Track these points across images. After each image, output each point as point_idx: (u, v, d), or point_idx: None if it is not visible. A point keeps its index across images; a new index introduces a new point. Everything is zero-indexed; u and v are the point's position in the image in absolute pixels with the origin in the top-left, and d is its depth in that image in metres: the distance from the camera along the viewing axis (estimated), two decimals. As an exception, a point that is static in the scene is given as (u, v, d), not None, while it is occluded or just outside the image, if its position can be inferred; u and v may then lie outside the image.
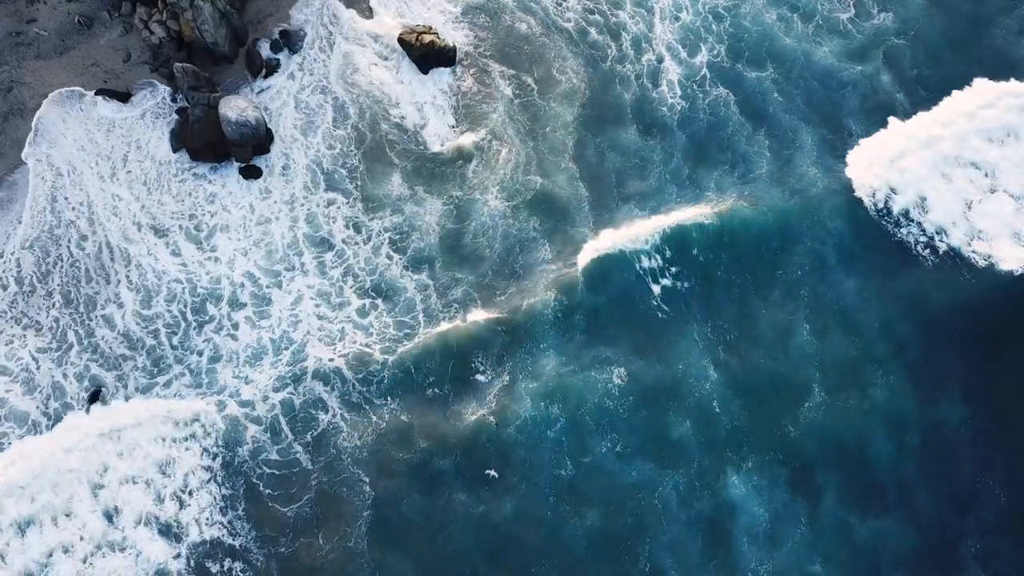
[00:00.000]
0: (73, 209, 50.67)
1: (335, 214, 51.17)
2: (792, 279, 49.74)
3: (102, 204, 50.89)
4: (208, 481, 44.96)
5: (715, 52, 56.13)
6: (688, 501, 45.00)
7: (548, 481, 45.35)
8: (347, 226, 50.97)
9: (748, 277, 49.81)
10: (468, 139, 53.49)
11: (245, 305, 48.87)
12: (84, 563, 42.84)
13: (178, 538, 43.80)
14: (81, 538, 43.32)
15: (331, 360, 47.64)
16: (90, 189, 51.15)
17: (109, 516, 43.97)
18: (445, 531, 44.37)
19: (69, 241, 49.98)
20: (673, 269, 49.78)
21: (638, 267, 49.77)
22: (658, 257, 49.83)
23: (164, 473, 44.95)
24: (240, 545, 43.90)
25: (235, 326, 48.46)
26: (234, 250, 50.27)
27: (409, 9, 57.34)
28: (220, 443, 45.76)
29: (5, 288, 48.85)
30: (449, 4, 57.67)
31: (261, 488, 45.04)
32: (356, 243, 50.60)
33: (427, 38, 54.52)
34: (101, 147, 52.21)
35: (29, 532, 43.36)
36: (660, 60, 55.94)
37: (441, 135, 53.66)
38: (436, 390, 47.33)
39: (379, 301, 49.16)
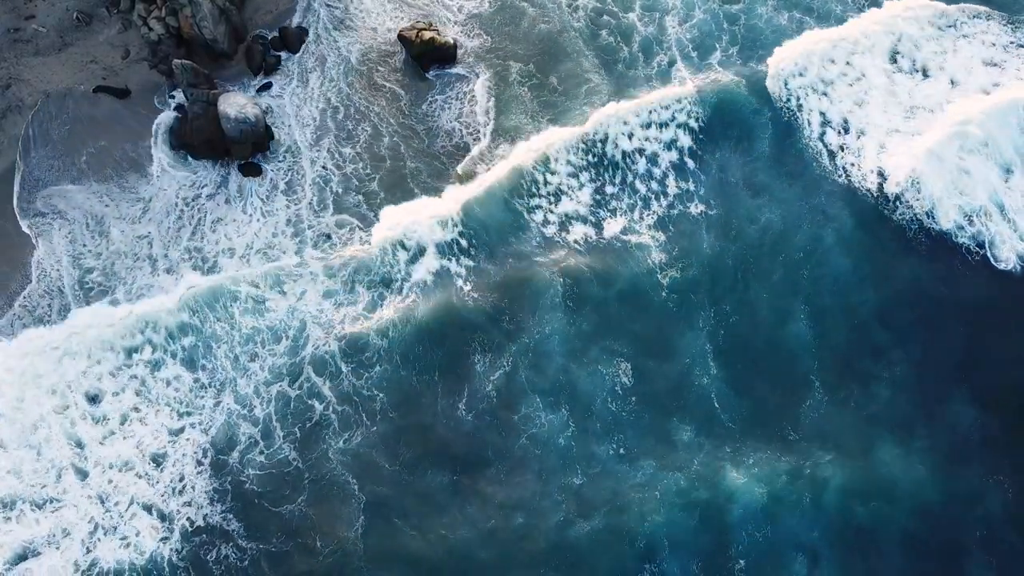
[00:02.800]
0: (91, 257, 49.54)
1: (347, 236, 49.87)
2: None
3: (125, 248, 49.77)
4: (199, 473, 44.25)
5: (729, 53, 55.15)
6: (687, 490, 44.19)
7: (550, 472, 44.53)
8: (362, 244, 49.85)
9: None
10: (486, 147, 52.11)
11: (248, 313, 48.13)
12: (81, 546, 42.56)
13: (170, 528, 43.06)
14: (68, 531, 42.91)
15: (326, 345, 46.61)
16: (112, 232, 49.93)
17: (101, 500, 43.51)
18: (444, 537, 43.39)
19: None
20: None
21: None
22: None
23: (157, 464, 44.30)
24: (233, 540, 43.10)
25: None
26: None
27: (415, 7, 56.58)
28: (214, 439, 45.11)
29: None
30: (457, 4, 56.87)
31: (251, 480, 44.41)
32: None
33: (427, 35, 53.65)
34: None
35: (15, 513, 43.13)
36: (672, 63, 54.93)
37: (458, 143, 52.46)
38: (433, 382, 46.30)
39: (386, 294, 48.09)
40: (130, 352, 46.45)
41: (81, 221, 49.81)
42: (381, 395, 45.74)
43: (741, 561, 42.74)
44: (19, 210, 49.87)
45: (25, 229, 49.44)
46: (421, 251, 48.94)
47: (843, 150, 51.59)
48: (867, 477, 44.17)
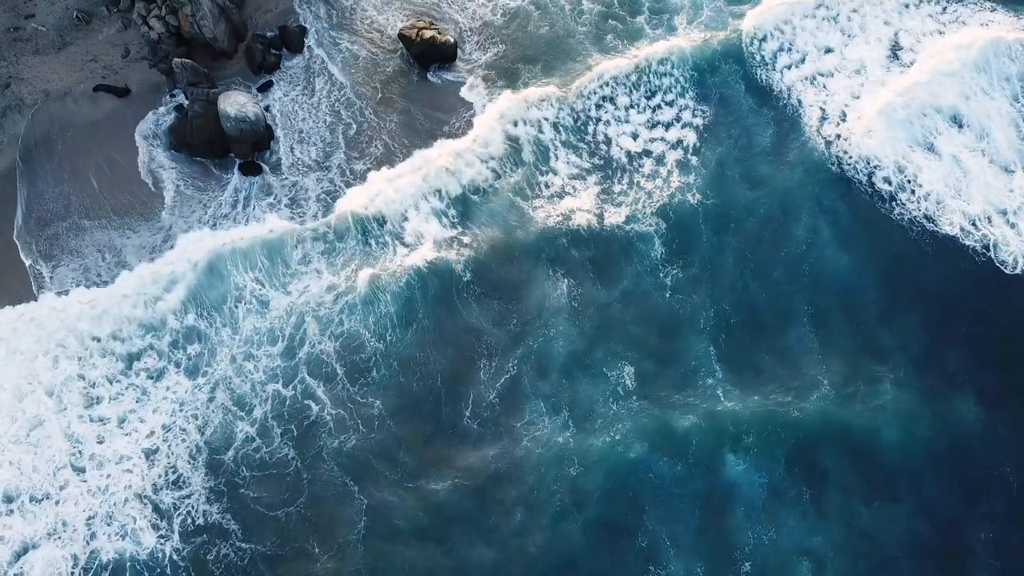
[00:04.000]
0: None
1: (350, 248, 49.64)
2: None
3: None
4: (195, 469, 44.14)
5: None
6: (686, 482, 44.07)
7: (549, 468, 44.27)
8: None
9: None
10: (499, 156, 51.45)
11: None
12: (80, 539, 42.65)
13: (170, 527, 42.94)
14: (68, 523, 42.96)
15: (320, 343, 46.33)
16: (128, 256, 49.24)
17: (99, 492, 43.53)
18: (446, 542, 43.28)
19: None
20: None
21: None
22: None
23: (150, 461, 44.15)
24: (231, 539, 42.91)
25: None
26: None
27: (417, 8, 56.38)
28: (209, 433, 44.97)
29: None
30: (462, 6, 56.68)
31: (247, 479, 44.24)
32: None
33: (427, 33, 53.35)
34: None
35: (15, 506, 43.22)
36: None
37: (473, 151, 51.71)
38: (436, 386, 46.05)
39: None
40: (130, 359, 46.40)
41: (95, 256, 49.20)
42: (378, 402, 45.58)
43: (746, 564, 42.50)
44: (22, 247, 49.08)
45: (26, 260, 48.85)
46: (419, 245, 48.89)
47: (839, 139, 51.45)
48: (869, 475, 44.03)
